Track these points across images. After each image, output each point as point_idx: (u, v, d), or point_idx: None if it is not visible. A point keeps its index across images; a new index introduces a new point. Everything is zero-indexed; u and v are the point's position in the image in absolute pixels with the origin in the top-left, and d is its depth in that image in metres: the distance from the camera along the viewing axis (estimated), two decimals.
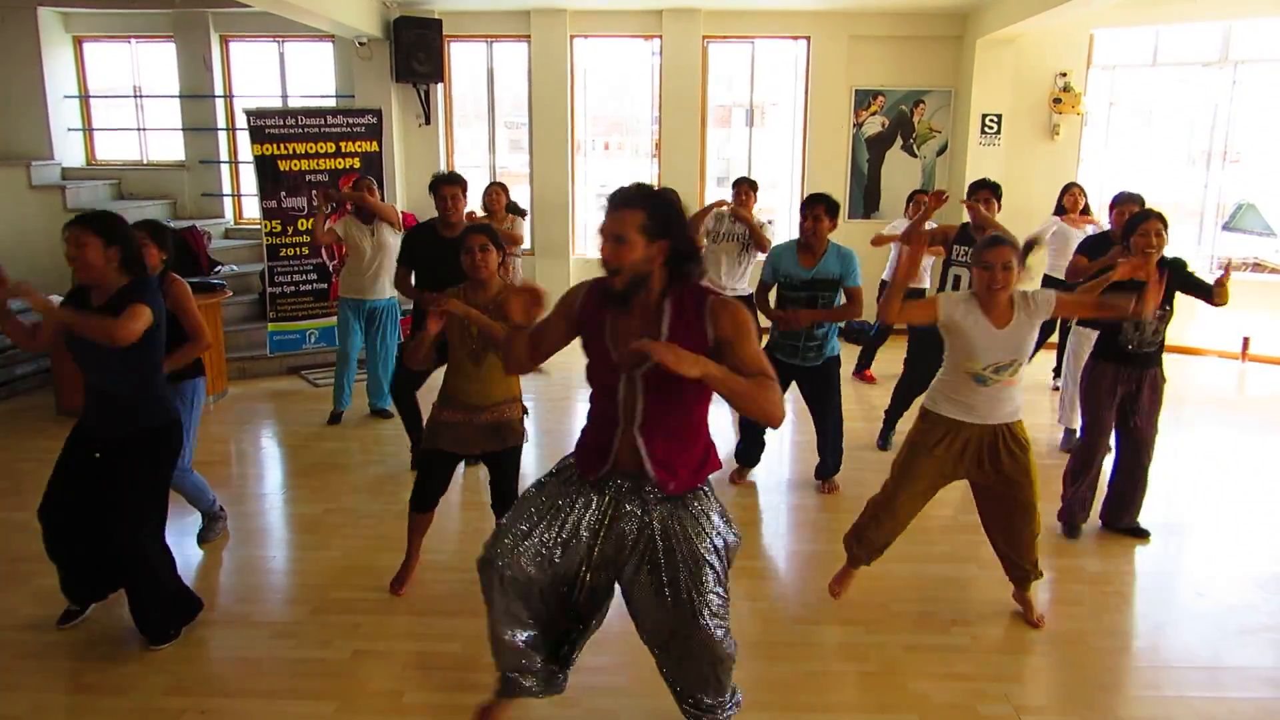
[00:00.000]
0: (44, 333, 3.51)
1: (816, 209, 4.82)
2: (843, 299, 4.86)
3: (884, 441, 6.00)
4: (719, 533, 2.69)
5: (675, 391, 2.50)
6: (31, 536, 4.50)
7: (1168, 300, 4.31)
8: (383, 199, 7.96)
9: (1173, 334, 8.36)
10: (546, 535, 2.64)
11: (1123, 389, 4.44)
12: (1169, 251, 4.33)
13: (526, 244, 9.30)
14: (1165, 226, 4.24)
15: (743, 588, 4.13)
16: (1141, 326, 4.33)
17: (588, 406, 2.74)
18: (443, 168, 9.41)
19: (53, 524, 3.58)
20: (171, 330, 3.76)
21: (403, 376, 5.47)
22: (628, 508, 2.63)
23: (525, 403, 4.17)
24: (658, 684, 3.23)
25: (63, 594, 3.73)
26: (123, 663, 3.46)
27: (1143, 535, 4.60)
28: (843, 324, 5.69)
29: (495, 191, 7.17)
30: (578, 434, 2.80)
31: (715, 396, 2.48)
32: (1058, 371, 7.33)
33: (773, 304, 5.10)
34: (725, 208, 6.49)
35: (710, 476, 2.73)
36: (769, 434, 6.16)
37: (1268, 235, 8.70)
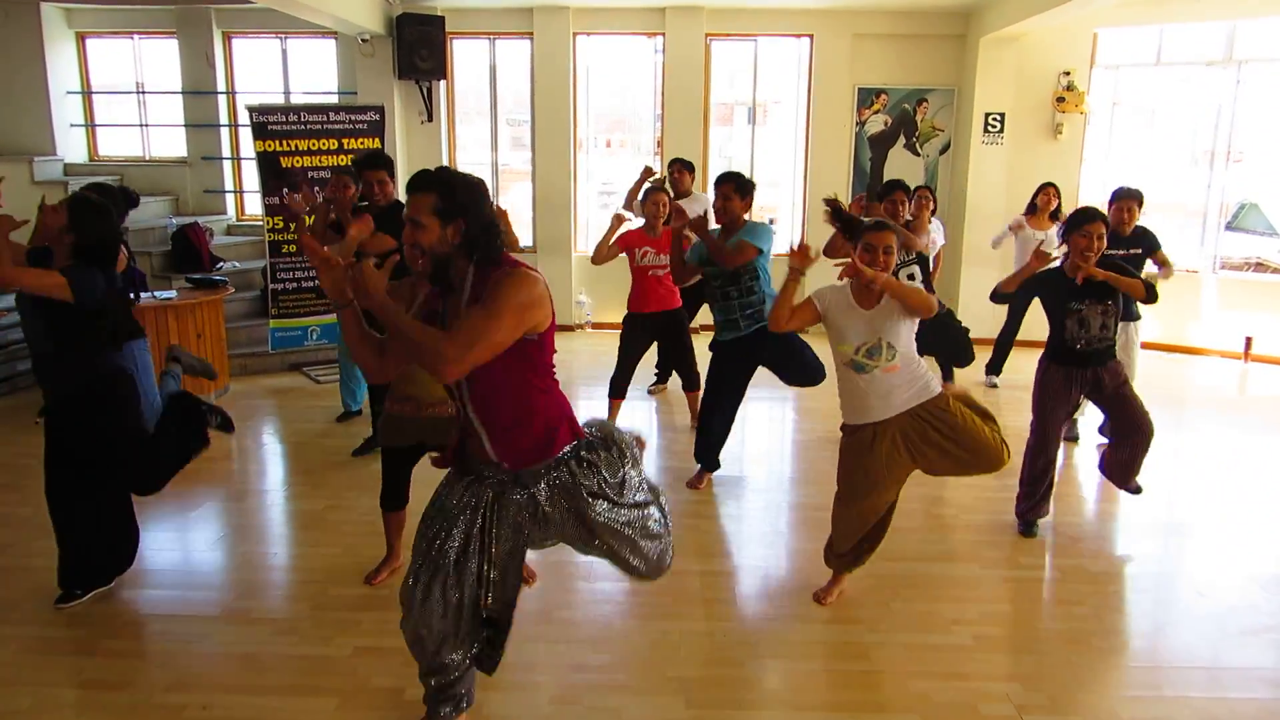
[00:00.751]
0: None
1: (725, 188, 4.84)
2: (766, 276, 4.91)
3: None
4: (601, 478, 2.72)
5: (486, 369, 2.50)
6: (32, 531, 4.53)
7: (1111, 297, 4.29)
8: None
9: (1175, 334, 8.47)
10: (442, 568, 2.71)
11: (1077, 390, 4.43)
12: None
13: (528, 241, 9.33)
14: (1107, 229, 4.27)
15: (744, 587, 4.14)
16: (1086, 324, 4.31)
17: None
18: (445, 164, 9.41)
19: (57, 505, 3.75)
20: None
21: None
22: (512, 496, 2.71)
23: None
24: (658, 682, 3.24)
25: (58, 583, 3.84)
26: (124, 658, 3.47)
27: (1136, 491, 4.60)
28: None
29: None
30: None
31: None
32: (990, 368, 7.42)
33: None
34: (653, 178, 6.56)
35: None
36: (767, 431, 6.18)
37: (1270, 235, 8.69)
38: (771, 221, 10.13)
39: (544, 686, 3.29)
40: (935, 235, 7.56)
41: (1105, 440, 4.70)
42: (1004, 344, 7.42)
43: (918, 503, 5.04)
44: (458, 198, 2.47)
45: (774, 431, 6.52)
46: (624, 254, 5.86)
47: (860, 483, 3.67)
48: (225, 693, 3.25)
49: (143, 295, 8.14)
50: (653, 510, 2.85)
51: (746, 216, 4.92)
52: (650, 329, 5.98)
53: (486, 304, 2.44)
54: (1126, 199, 5.54)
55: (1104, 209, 4.82)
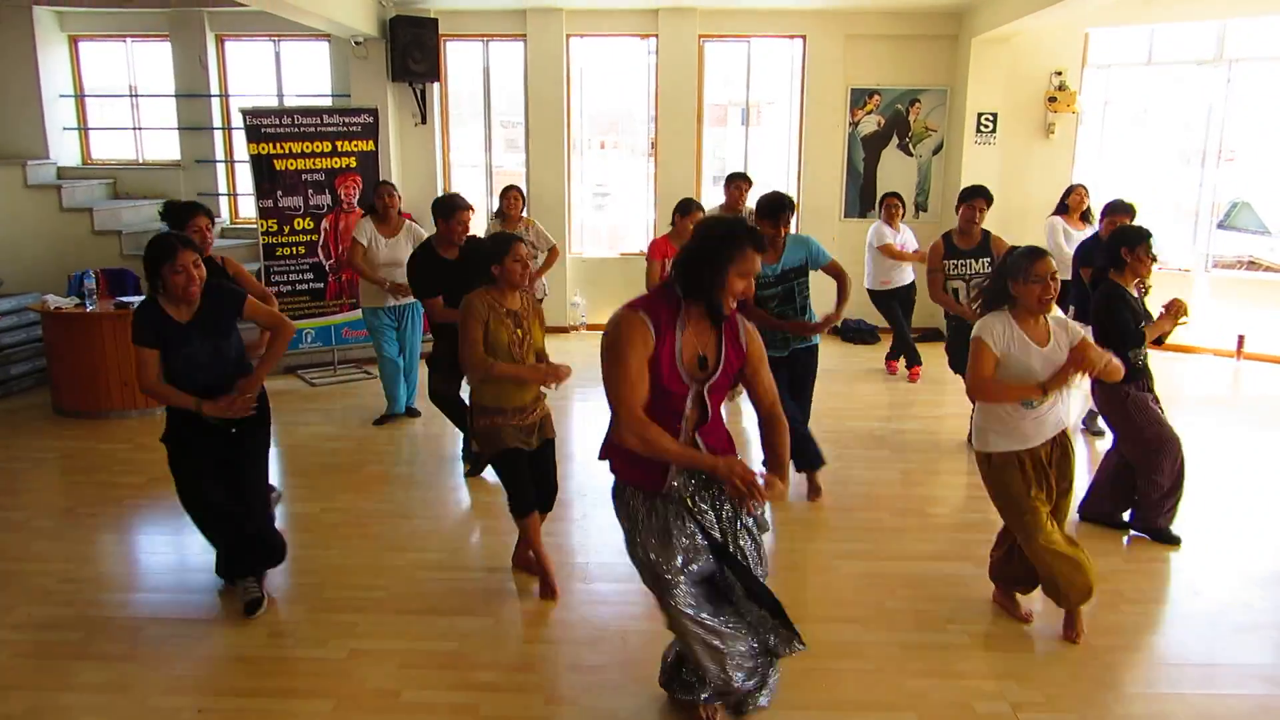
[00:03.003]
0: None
1: (785, 215, 4.74)
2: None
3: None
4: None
5: (725, 391, 2.79)
6: (27, 535, 4.52)
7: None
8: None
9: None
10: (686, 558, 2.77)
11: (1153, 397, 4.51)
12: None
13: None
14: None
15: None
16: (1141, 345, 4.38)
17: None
18: (439, 167, 9.42)
19: (209, 511, 3.79)
20: None
21: (438, 378, 5.46)
22: (703, 497, 2.78)
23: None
24: (654, 683, 3.24)
25: (218, 574, 3.96)
26: (120, 662, 3.46)
27: (1174, 542, 4.54)
28: (839, 323, 5.65)
29: (513, 196, 7.03)
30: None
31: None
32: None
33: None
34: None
35: None
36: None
37: (1263, 233, 8.72)
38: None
39: (541, 687, 3.30)
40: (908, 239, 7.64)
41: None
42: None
43: (913, 502, 5.06)
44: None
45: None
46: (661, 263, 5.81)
47: (1031, 504, 3.51)
48: (221, 695, 3.25)
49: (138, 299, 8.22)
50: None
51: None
52: None
53: (766, 363, 2.88)
54: (1119, 214, 5.63)
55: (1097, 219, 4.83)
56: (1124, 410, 4.43)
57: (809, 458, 5.03)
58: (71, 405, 6.57)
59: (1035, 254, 3.40)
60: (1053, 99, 8.85)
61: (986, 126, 8.93)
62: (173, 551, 4.48)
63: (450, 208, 5.24)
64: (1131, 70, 8.98)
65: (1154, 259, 4.32)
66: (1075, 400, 4.57)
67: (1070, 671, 3.43)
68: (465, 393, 4.51)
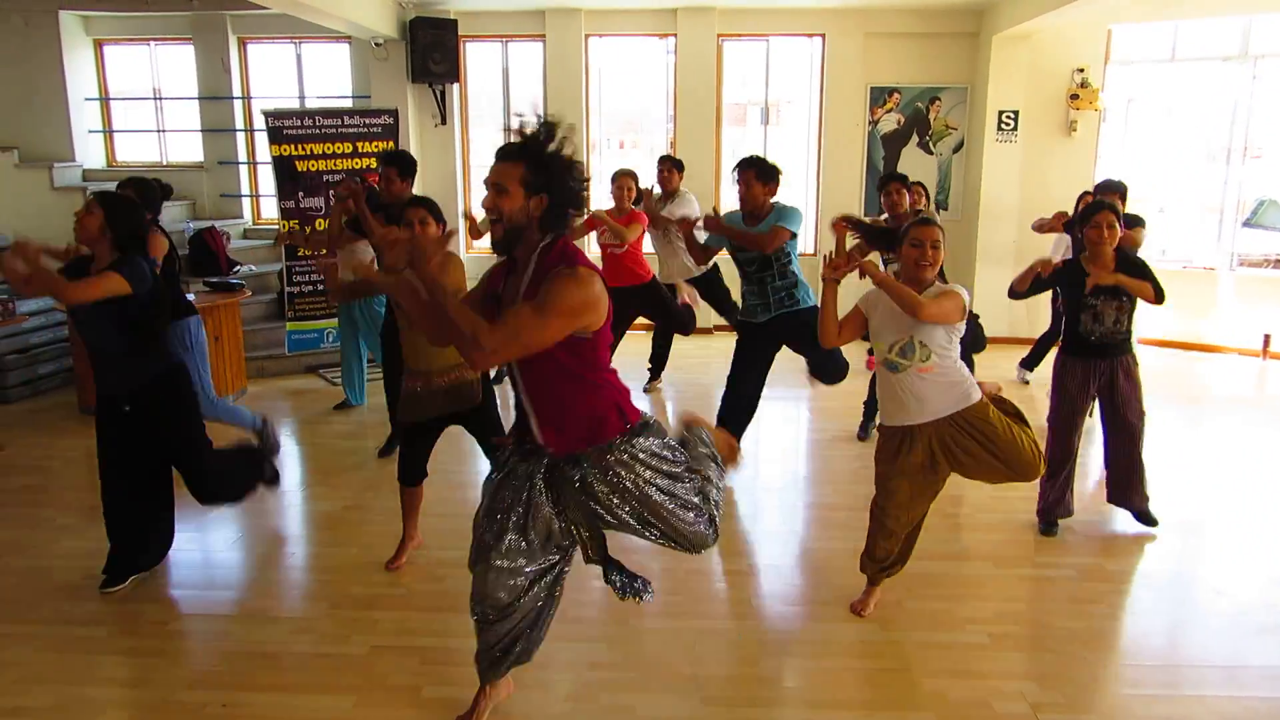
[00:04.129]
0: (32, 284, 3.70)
1: (746, 174, 4.87)
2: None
3: (863, 433, 5.94)
4: (654, 463, 2.70)
5: (537, 361, 2.55)
6: (55, 532, 4.59)
7: (1125, 292, 4.30)
8: None
9: (1192, 331, 8.41)
10: (513, 539, 2.77)
11: (1094, 383, 4.43)
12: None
13: None
14: (1117, 219, 4.31)
15: (759, 585, 4.15)
16: (1100, 317, 4.33)
17: None
18: (459, 167, 9.47)
19: (114, 499, 3.92)
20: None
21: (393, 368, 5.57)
22: (567, 472, 2.70)
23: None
24: (673, 680, 3.26)
25: (103, 571, 3.98)
26: (145, 657, 3.51)
27: (1150, 523, 4.58)
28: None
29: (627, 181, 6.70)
30: None
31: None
32: (1025, 363, 7.36)
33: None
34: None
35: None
36: (782, 431, 6.20)
37: None
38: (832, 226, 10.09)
39: (559, 684, 3.31)
40: None
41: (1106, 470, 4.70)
42: (1045, 342, 7.23)
43: (933, 501, 5.03)
44: (547, 171, 2.51)
45: (789, 431, 6.52)
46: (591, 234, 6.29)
47: (892, 486, 3.62)
48: (244, 690, 3.28)
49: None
50: (696, 483, 2.81)
51: (773, 200, 4.92)
52: (624, 303, 5.97)
53: (538, 301, 2.45)
54: (1110, 193, 5.67)
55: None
56: (1055, 375, 4.57)
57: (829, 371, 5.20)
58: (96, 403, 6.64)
59: (922, 222, 3.53)
60: (1075, 96, 8.78)
61: (1008, 124, 8.88)
62: (196, 548, 4.53)
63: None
64: (1155, 67, 8.90)
65: (1104, 232, 4.26)
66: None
67: (1090, 672, 3.41)
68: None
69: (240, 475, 4.30)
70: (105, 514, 3.96)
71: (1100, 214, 4.28)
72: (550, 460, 2.73)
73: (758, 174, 4.86)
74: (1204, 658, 3.54)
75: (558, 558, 2.89)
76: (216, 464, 4.10)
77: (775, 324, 4.96)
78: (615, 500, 2.67)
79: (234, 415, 5.14)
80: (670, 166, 6.87)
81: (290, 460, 5.97)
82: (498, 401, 4.22)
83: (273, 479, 4.70)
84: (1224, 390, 7.52)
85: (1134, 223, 5.67)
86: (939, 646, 3.56)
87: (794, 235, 4.84)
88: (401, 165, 5.40)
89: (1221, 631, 3.71)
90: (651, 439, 2.71)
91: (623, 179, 6.45)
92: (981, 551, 4.40)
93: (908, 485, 3.60)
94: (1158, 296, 4.30)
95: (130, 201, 3.95)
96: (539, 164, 2.51)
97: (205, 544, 4.55)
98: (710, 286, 6.82)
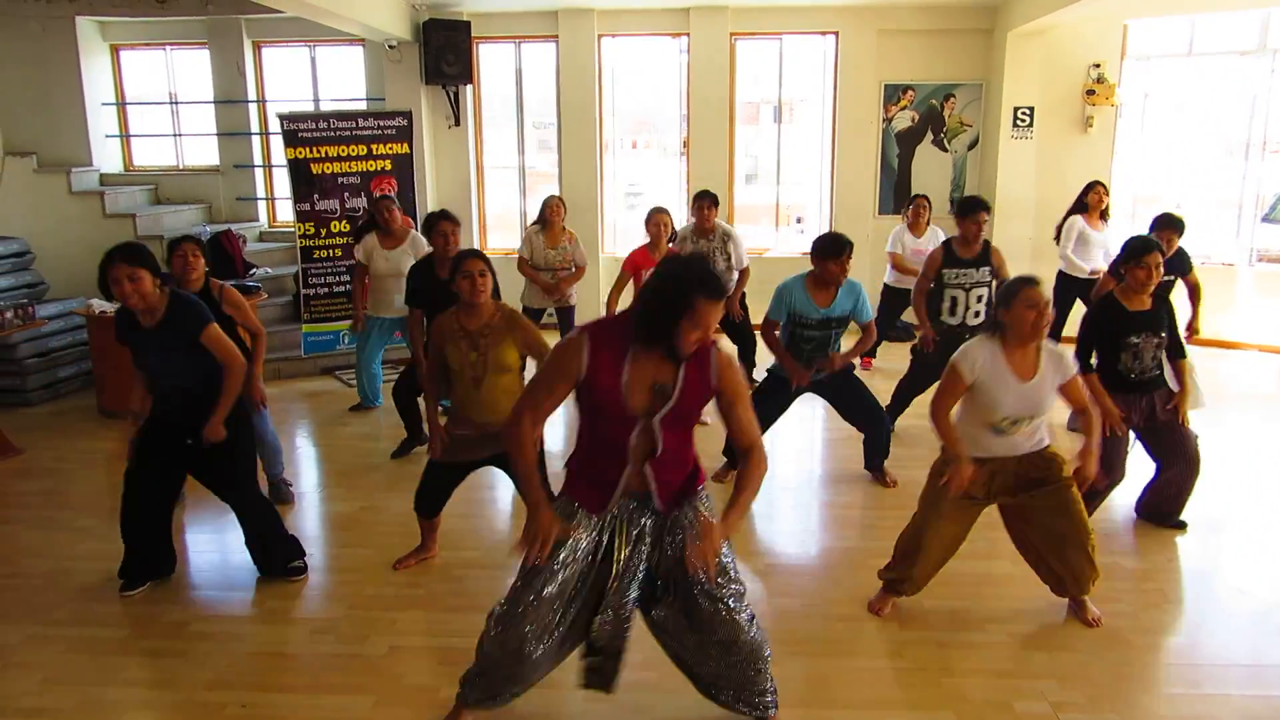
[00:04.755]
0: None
1: (824, 262, 4.71)
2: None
3: None
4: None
5: (686, 426, 2.73)
6: (75, 535, 4.62)
7: (1163, 327, 4.29)
8: (413, 202, 8.06)
9: (1212, 329, 8.32)
10: (556, 602, 2.77)
11: (1136, 416, 4.38)
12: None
13: None
14: (1164, 255, 4.29)
15: (776, 585, 4.14)
16: (1140, 355, 4.27)
17: (579, 438, 2.83)
18: (472, 169, 9.48)
19: (137, 507, 3.96)
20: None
21: (405, 378, 5.77)
22: (640, 520, 2.76)
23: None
24: (690, 681, 3.24)
25: (120, 576, 4.02)
26: (166, 658, 3.54)
27: (1180, 526, 4.55)
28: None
29: (555, 205, 6.93)
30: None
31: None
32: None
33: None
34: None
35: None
36: (798, 429, 6.18)
37: None
38: (799, 220, 10.10)
39: (575, 684, 3.31)
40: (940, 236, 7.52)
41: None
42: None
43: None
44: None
45: (804, 430, 6.49)
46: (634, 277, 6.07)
47: (939, 502, 3.59)
48: (264, 691, 3.30)
49: None
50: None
51: (848, 278, 4.83)
52: None
53: (743, 398, 2.70)
54: (1167, 229, 5.57)
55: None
56: None
57: (876, 459, 5.22)
58: (116, 407, 6.67)
59: (1027, 282, 3.38)
60: (1091, 92, 8.72)
61: (1023, 121, 8.82)
62: (215, 550, 4.55)
63: (429, 223, 5.46)
64: (1172, 61, 8.82)
65: (1153, 273, 4.20)
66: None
67: (1112, 671, 3.38)
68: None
69: (289, 546, 4.24)
70: (124, 522, 3.98)
71: (1150, 255, 4.18)
72: (637, 515, 2.77)
73: (832, 253, 4.68)
74: (1227, 656, 3.52)
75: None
76: (259, 505, 4.15)
77: (810, 386, 4.97)
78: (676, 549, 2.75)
79: (274, 454, 5.08)
80: (709, 204, 6.55)
81: (307, 462, 6.00)
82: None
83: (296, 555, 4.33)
84: (1244, 387, 7.44)
85: (1187, 261, 5.74)
86: (958, 646, 3.55)
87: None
88: (457, 222, 5.41)
89: (1244, 630, 3.68)
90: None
91: (659, 217, 6.23)
92: (1001, 551, 4.36)
93: (959, 511, 3.60)
94: (1181, 353, 4.39)
95: (139, 244, 3.94)
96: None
97: (224, 545, 4.57)
98: (738, 332, 6.76)
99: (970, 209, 5.58)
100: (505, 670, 2.86)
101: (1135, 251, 4.22)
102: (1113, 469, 4.34)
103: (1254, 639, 3.61)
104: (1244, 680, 3.34)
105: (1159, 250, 4.22)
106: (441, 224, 5.30)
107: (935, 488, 3.60)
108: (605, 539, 2.77)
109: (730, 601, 2.78)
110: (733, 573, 2.81)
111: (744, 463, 2.74)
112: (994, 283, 5.55)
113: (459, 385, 3.90)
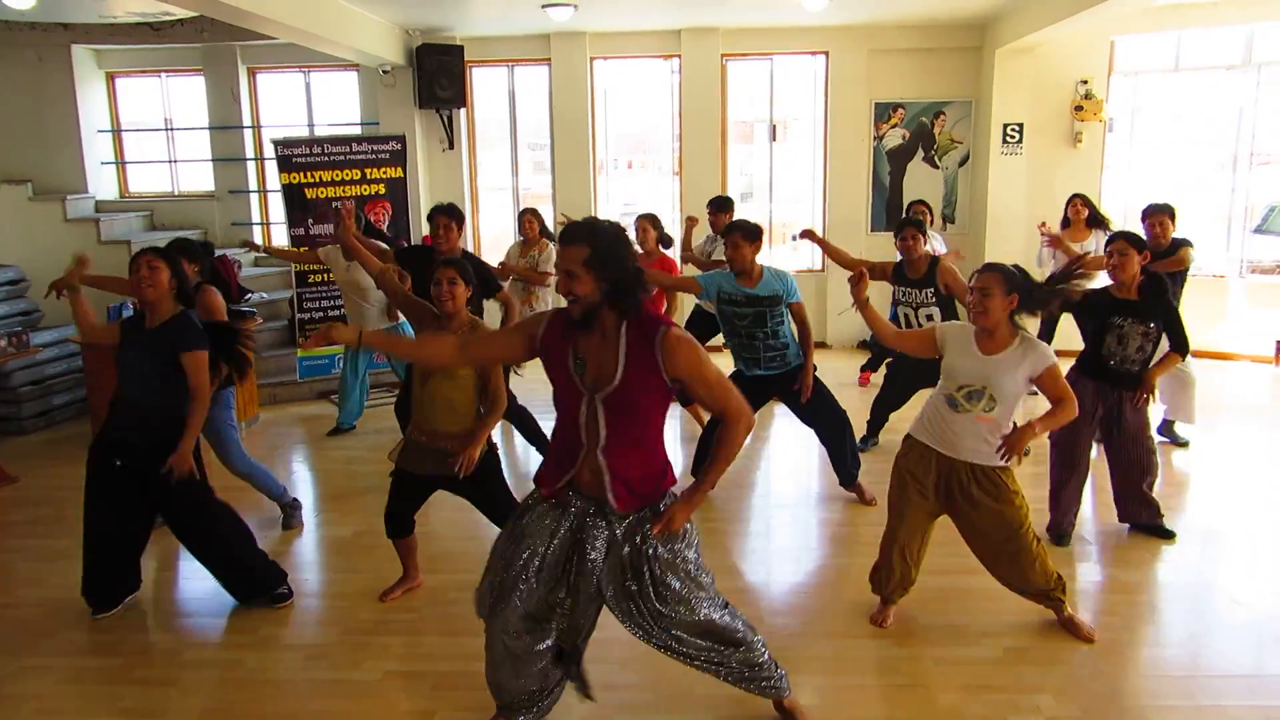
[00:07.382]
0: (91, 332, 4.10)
1: (734, 236, 4.86)
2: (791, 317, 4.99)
3: (862, 443, 5.93)
4: (688, 541, 2.82)
5: (634, 412, 2.65)
6: (69, 564, 4.59)
7: (1153, 319, 4.35)
8: (406, 226, 8.09)
9: (1204, 339, 8.36)
10: (524, 583, 2.79)
11: (1102, 407, 4.44)
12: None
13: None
14: (1138, 249, 4.42)
15: (771, 603, 4.13)
16: (1125, 341, 4.34)
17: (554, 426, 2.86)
18: (467, 191, 9.53)
19: (103, 530, 3.98)
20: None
21: (406, 394, 5.70)
22: (594, 529, 2.74)
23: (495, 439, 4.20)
24: (688, 702, 3.24)
25: (82, 595, 4.05)
26: (159, 686, 3.52)
27: (1167, 536, 4.56)
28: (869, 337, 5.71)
29: (528, 218, 7.04)
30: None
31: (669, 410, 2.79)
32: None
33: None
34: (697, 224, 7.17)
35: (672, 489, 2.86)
36: (788, 449, 6.18)
37: None
38: (795, 238, 10.14)
39: (574, 706, 3.29)
40: (937, 245, 7.55)
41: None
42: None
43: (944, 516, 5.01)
44: (606, 251, 2.55)
45: (800, 448, 6.49)
46: None
47: (899, 497, 3.71)
48: (258, 718, 3.28)
49: None
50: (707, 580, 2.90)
51: (760, 261, 4.93)
52: None
53: (698, 372, 2.61)
54: (1158, 214, 5.69)
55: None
56: None
57: (843, 473, 5.18)
58: None
59: (983, 268, 3.55)
60: (1079, 108, 8.79)
61: (1013, 137, 8.89)
62: (209, 578, 4.52)
63: (430, 214, 5.60)
64: (1159, 77, 8.90)
65: (1120, 260, 4.36)
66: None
67: (1108, 685, 3.38)
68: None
69: (249, 553, 4.15)
70: (88, 543, 3.99)
71: (1114, 244, 4.42)
72: (596, 519, 2.75)
73: (744, 235, 4.86)
74: (1223, 668, 3.51)
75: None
76: (236, 545, 4.08)
77: (767, 381, 4.98)
78: (631, 560, 2.75)
79: (266, 480, 5.03)
80: (723, 211, 7.04)
81: (302, 486, 5.99)
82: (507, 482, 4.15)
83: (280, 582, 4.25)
84: (1237, 398, 7.46)
85: (1181, 244, 5.73)
86: (955, 662, 3.54)
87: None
88: (459, 218, 5.50)
89: (1240, 641, 3.68)
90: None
91: (641, 222, 6.53)
92: None
93: (915, 507, 3.66)
94: (1180, 347, 4.44)
95: (179, 246, 4.06)
96: (600, 245, 2.55)
97: None
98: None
99: (899, 228, 5.62)
100: (503, 662, 2.94)
101: (1106, 244, 4.51)
102: (1075, 465, 4.46)
103: (1251, 650, 3.61)
104: (1240, 691, 3.33)
105: (1125, 239, 4.41)
106: (437, 216, 5.43)
107: (895, 480, 3.74)
108: (564, 527, 2.77)
109: (699, 608, 2.82)
110: (698, 574, 2.83)
111: (719, 429, 2.76)
112: (947, 302, 5.43)
113: (414, 378, 3.93)
